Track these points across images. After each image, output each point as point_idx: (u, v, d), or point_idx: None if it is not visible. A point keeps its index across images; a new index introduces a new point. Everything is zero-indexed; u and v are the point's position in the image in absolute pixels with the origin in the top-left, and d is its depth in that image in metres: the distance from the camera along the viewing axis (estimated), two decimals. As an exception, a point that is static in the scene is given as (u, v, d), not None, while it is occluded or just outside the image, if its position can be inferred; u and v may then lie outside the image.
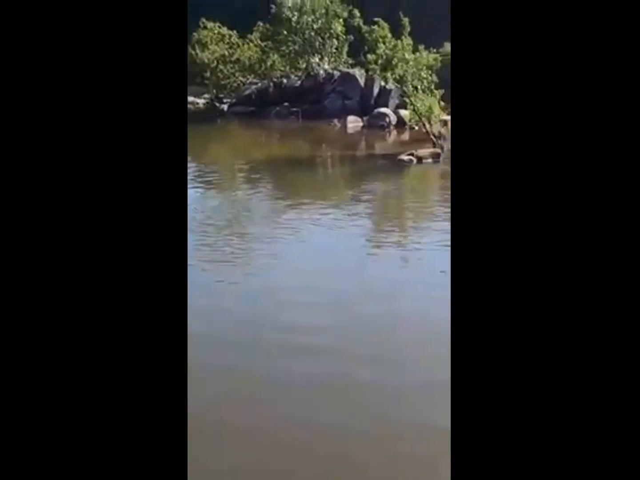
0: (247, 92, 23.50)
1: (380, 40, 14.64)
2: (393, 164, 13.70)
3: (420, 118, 14.94)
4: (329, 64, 23.43)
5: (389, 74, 14.87)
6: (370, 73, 16.30)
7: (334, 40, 23.29)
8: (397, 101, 22.60)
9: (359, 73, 23.13)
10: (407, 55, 14.41)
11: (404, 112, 19.96)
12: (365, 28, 15.22)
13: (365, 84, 23.12)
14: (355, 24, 15.89)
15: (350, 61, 24.13)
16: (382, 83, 23.15)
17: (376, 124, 19.60)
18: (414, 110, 14.90)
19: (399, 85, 14.97)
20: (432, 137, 14.63)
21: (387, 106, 21.70)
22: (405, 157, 13.80)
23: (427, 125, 14.73)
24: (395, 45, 14.52)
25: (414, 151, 14.02)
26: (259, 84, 23.79)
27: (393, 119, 19.68)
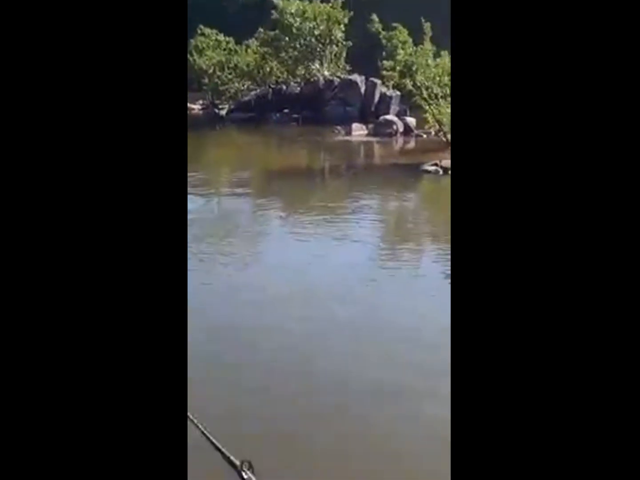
0: (246, 98, 22.26)
1: (400, 46, 13.50)
2: (418, 175, 12.57)
3: (440, 126, 13.86)
4: (327, 70, 22.27)
5: (407, 81, 13.68)
6: (383, 80, 14.96)
7: (334, 47, 22.16)
8: (397, 108, 21.57)
9: (359, 79, 22.05)
10: (429, 61, 13.28)
11: (409, 120, 18.94)
12: (383, 33, 14.00)
13: (366, 90, 22.04)
14: (374, 29, 14.54)
15: (348, 67, 23.04)
16: (383, 90, 22.15)
17: (382, 132, 18.41)
18: (434, 118, 13.79)
19: (418, 92, 13.77)
20: (453, 146, 13.57)
21: (387, 113, 20.64)
22: (430, 168, 12.69)
23: (449, 135, 13.65)
24: (415, 51, 13.41)
25: (437, 161, 12.92)
26: (258, 90, 22.56)
27: (400, 126, 18.52)
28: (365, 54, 23.30)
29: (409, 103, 15.89)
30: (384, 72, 14.27)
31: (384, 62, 14.19)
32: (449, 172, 12.41)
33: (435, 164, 12.78)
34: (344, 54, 22.81)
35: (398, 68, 13.80)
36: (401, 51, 13.49)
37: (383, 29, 13.96)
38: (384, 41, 13.93)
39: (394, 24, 13.78)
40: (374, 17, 15.33)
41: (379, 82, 22.03)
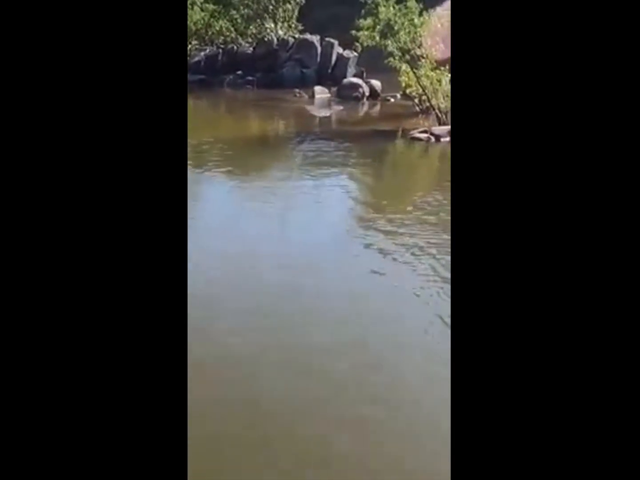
0: (195, 59, 20.41)
1: (382, 3, 12.20)
2: (409, 143, 11.49)
3: (424, 91, 12.75)
4: (282, 30, 20.70)
5: (389, 42, 12.42)
6: (357, 41, 13.55)
7: (287, 5, 20.56)
8: (354, 70, 20.29)
9: (315, 39, 20.57)
10: (415, 20, 12.07)
11: (375, 83, 17.74)
12: (362, -11, 12.62)
13: (323, 51, 20.62)
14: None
15: (300, 26, 21.53)
16: (340, 50, 20.76)
17: (347, 95, 17.20)
18: (417, 81, 12.65)
19: (399, 54, 12.54)
20: (438, 112, 12.50)
21: (345, 76, 19.38)
22: (420, 135, 11.62)
23: (433, 100, 12.57)
24: (399, 9, 12.16)
25: (426, 128, 11.88)
26: (208, 51, 20.76)
27: (366, 89, 17.32)
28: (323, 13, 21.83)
29: (379, 65, 14.60)
30: (361, 33, 12.86)
31: (361, 20, 12.79)
32: (441, 139, 11.38)
33: (425, 131, 11.73)
34: (296, 12, 21.27)
35: (378, 27, 12.45)
36: (383, 8, 12.15)
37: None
38: (362, -2, 12.54)
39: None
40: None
41: (335, 42, 20.70)
